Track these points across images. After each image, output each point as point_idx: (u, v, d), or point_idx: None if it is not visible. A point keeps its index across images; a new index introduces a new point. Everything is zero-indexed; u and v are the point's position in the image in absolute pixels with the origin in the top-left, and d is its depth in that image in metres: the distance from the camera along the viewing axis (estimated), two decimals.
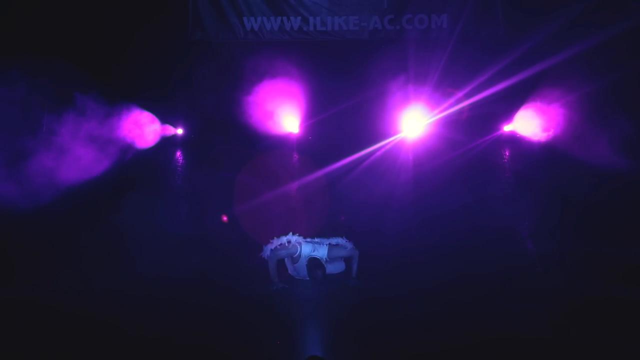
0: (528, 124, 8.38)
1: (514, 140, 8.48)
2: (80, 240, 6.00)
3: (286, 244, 5.18)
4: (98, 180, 7.61)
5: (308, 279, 5.29)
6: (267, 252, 5.24)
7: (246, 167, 7.85)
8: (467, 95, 8.21)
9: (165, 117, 8.95)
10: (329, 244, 5.33)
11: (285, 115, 8.81)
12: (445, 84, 8.35)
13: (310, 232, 5.84)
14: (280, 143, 8.81)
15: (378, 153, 8.16)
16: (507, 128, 8.58)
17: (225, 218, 6.75)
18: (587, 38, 7.38)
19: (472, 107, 8.24)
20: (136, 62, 8.21)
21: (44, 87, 7.51)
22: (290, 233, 5.31)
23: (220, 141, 8.66)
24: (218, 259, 5.73)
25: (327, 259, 5.24)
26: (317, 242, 5.30)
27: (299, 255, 5.16)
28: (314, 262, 5.11)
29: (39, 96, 7.56)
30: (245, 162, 7.95)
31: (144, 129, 8.66)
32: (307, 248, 5.18)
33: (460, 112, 8.39)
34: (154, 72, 8.45)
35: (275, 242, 5.25)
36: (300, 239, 5.28)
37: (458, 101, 8.31)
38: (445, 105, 8.37)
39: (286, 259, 5.31)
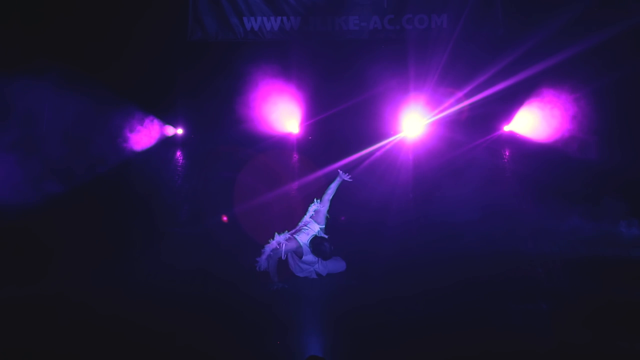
0: (528, 123, 8.39)
1: (514, 140, 8.49)
2: (81, 240, 5.99)
3: (278, 246, 5.12)
4: (98, 180, 7.63)
5: (312, 275, 5.30)
6: (264, 264, 5.18)
7: (246, 167, 7.85)
8: (467, 95, 8.21)
9: (165, 117, 8.95)
10: (311, 217, 5.38)
11: (285, 115, 8.81)
12: (445, 83, 8.35)
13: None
14: (280, 143, 8.82)
15: (378, 153, 8.16)
16: (507, 128, 8.59)
17: (225, 218, 6.74)
18: (588, 38, 7.39)
19: (472, 107, 8.25)
20: (135, 61, 8.20)
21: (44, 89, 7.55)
22: (276, 234, 5.25)
23: (221, 141, 8.67)
24: (218, 259, 5.72)
25: (323, 228, 5.27)
26: (303, 226, 5.30)
27: (300, 246, 5.13)
28: (317, 240, 5.10)
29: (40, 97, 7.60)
30: (245, 162, 7.95)
31: (144, 128, 8.66)
32: (303, 236, 5.17)
33: (460, 112, 8.39)
34: (153, 72, 8.44)
35: (268, 249, 5.19)
36: (288, 234, 5.25)
37: (458, 101, 8.31)
38: (445, 105, 8.37)
39: (289, 257, 5.28)
